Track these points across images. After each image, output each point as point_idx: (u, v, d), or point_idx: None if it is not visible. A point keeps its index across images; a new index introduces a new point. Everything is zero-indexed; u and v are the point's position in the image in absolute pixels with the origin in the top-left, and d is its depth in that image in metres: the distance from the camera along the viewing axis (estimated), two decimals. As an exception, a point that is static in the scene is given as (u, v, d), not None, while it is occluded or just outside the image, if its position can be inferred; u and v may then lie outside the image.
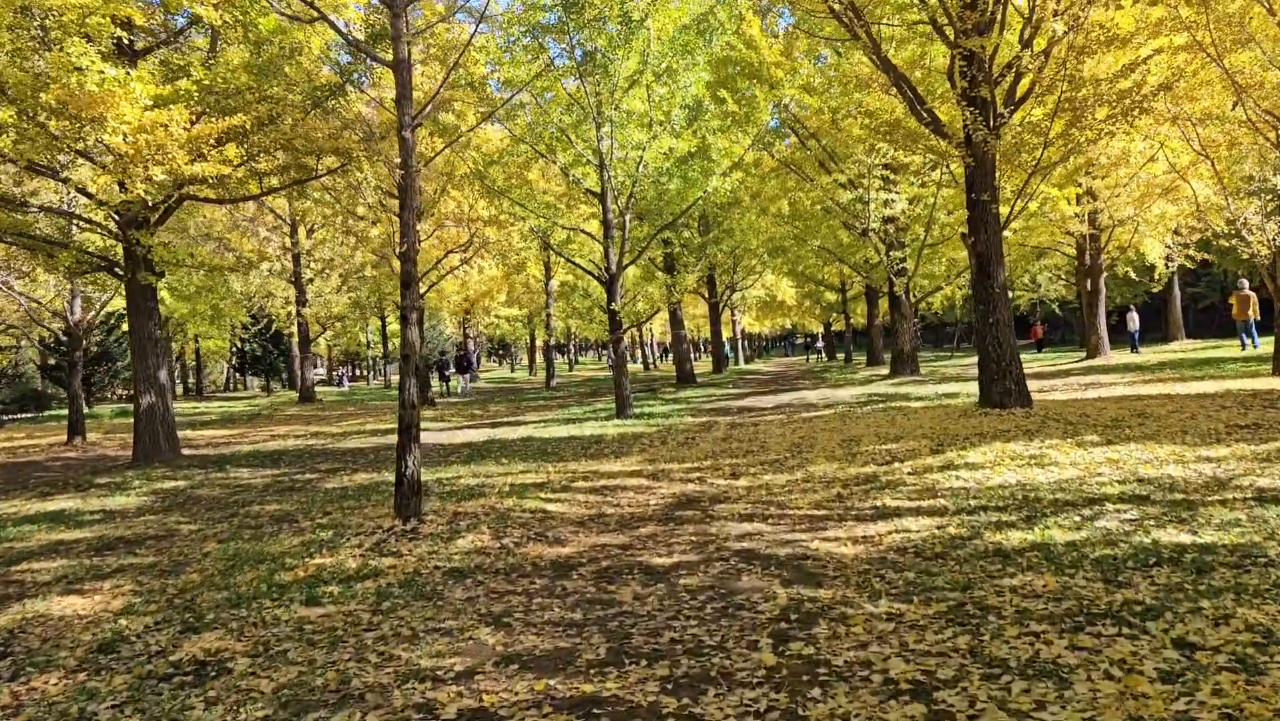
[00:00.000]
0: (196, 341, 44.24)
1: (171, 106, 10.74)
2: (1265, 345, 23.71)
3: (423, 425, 21.22)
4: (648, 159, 17.37)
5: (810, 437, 12.50)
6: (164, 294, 32.07)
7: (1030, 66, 11.62)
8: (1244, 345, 24.16)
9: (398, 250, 7.74)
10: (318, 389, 58.57)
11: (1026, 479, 8.38)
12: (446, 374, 34.17)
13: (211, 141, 10.90)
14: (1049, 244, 27.96)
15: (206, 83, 11.53)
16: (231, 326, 42.97)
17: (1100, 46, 11.60)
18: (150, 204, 12.94)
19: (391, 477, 10.23)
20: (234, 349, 46.33)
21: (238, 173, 13.68)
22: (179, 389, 59.98)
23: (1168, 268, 27.51)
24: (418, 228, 23.81)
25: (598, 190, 18.23)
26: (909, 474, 9.25)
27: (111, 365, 32.80)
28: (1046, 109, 12.10)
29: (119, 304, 32.92)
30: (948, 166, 20.59)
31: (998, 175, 12.54)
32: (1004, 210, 12.71)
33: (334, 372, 61.95)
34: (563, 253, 19.37)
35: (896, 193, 21.11)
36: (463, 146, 18.26)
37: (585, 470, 11.02)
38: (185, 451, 16.39)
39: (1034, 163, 12.09)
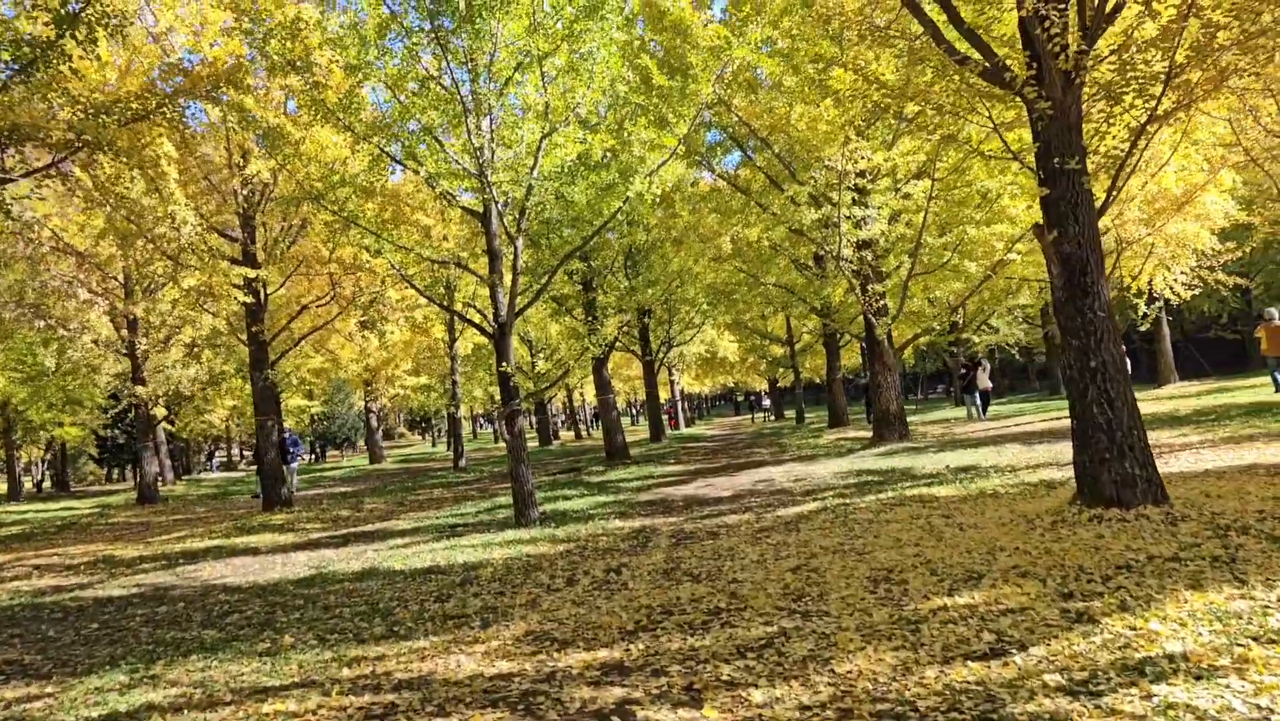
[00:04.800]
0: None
1: None
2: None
3: (253, 539, 15.72)
4: (545, 164, 12.47)
5: (812, 570, 7.47)
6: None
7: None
8: (1278, 386, 19.87)
9: None
10: (219, 474, 52.10)
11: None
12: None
13: None
14: (1039, 276, 23.64)
15: None
16: (103, 410, 36.76)
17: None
18: None
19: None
20: (96, 437, 39.95)
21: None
22: (45, 481, 52.93)
23: (1176, 296, 23.28)
24: (261, 275, 18.53)
25: (479, 209, 13.27)
26: (1062, 691, 4.32)
27: None
28: (1160, 22, 7.49)
29: None
30: (936, 167, 16.06)
31: (1085, 131, 7.86)
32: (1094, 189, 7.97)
33: (209, 458, 55.19)
34: (423, 289, 14.23)
35: (875, 209, 16.42)
36: (282, 151, 13.05)
37: (404, 676, 5.79)
38: None
39: (1152, 102, 7.43)
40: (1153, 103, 7.45)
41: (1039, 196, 7.86)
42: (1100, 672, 4.47)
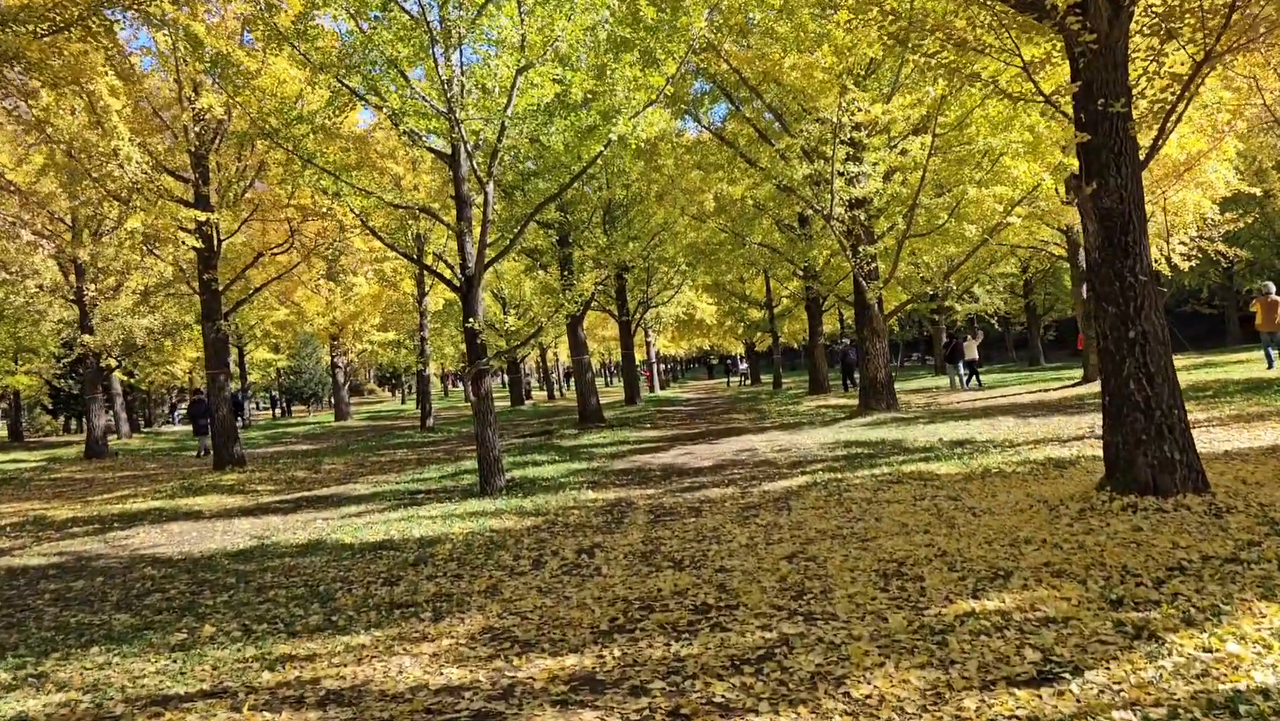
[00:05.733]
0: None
1: None
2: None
3: (199, 501, 14.63)
4: (519, 103, 11.38)
5: (809, 559, 6.61)
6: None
7: None
8: (1270, 362, 19.25)
9: None
10: (180, 427, 50.58)
11: None
12: (202, 423, 22.21)
13: None
14: (1030, 244, 22.81)
15: None
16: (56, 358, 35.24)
17: None
18: None
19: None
20: (49, 387, 38.45)
21: None
22: (0, 431, 51.30)
23: (1169, 270, 22.52)
24: (213, 219, 17.34)
25: (446, 150, 12.20)
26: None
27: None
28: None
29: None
30: (937, 122, 15.09)
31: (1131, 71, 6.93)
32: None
33: (171, 411, 53.69)
34: (387, 238, 13.17)
35: (869, 166, 15.44)
36: (233, 82, 11.83)
37: (334, 685, 4.86)
38: None
39: (1211, 38, 6.51)
40: (1211, 39, 6.53)
41: (1076, 143, 6.94)
42: (1182, 710, 3.63)
